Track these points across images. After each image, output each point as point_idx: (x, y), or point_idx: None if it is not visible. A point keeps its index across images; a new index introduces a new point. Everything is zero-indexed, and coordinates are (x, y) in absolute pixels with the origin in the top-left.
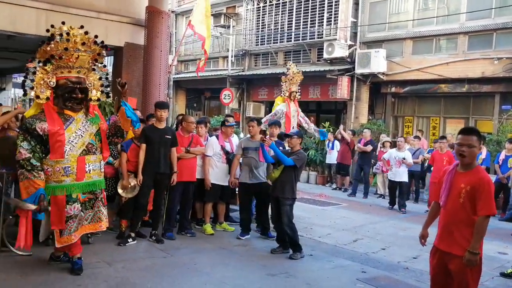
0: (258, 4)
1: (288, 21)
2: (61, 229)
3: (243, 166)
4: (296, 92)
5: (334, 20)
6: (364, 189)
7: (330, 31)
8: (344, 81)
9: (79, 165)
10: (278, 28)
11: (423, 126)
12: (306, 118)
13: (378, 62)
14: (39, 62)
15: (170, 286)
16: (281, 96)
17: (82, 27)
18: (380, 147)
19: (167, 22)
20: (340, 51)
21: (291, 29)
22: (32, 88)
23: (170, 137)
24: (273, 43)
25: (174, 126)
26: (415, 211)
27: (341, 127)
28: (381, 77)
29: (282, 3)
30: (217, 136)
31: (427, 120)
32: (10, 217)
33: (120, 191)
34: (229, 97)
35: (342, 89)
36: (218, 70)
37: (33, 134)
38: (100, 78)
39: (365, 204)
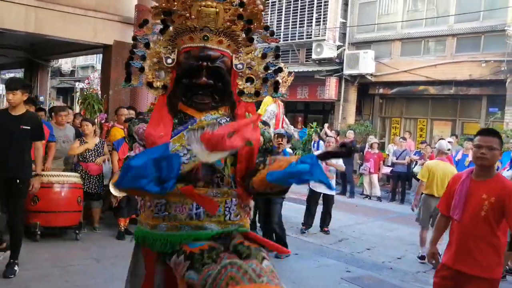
0: None
1: (277, 21)
2: None
3: None
4: (285, 94)
5: (323, 21)
6: (350, 189)
7: (319, 31)
8: (332, 81)
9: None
10: None
11: (410, 128)
12: (286, 119)
13: (366, 63)
14: (154, 28)
15: None
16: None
17: None
18: (368, 148)
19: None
20: (328, 52)
21: (280, 29)
22: (142, 70)
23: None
24: None
25: None
26: (401, 211)
27: (326, 125)
28: (369, 78)
29: (271, 3)
30: None
31: (415, 122)
32: None
33: (112, 190)
34: None
35: (330, 90)
36: None
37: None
38: (263, 56)
39: (351, 204)
